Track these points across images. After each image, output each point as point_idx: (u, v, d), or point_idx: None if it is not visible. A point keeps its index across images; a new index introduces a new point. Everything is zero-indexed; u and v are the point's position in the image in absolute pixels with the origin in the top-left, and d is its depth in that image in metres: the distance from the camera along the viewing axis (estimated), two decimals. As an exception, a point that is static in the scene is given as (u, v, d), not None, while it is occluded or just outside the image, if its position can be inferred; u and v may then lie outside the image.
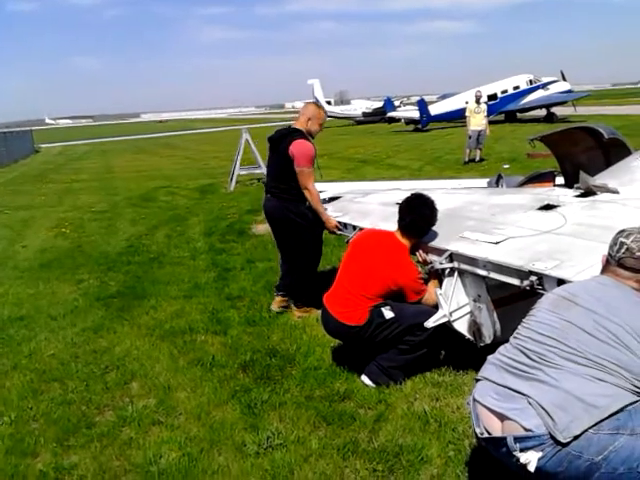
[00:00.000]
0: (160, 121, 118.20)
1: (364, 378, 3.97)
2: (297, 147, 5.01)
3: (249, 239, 8.73)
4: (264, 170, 14.45)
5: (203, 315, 5.52)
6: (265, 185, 5.45)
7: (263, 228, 9.22)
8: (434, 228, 4.04)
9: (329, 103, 52.88)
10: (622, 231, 2.59)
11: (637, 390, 2.23)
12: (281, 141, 5.13)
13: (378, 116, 44.83)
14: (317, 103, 5.67)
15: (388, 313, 3.85)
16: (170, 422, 3.67)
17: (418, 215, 3.95)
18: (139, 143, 43.39)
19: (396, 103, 43.62)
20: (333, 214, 5.19)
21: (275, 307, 5.43)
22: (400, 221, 4.02)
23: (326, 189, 6.33)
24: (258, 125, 53.88)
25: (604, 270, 2.61)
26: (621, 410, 2.20)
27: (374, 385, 3.90)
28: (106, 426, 3.67)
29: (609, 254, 2.58)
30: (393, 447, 3.22)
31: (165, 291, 6.36)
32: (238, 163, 14.34)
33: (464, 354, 3.99)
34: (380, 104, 46.37)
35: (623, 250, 2.51)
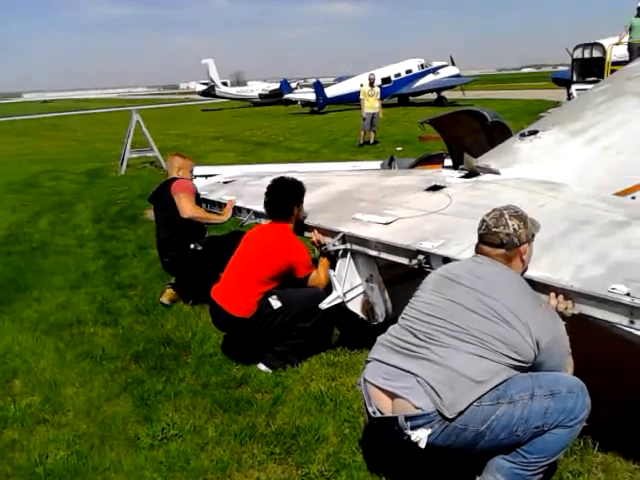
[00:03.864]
0: (44, 101, 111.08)
1: (260, 365, 3.95)
2: (176, 185, 5.01)
3: (141, 225, 8.40)
4: (157, 153, 14.02)
5: (92, 306, 5.27)
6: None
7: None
8: (326, 210, 4.07)
9: (225, 84, 51.88)
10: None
11: (515, 364, 2.36)
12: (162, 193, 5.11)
13: (275, 98, 44.56)
14: (179, 154, 5.51)
15: (276, 303, 3.84)
16: (57, 420, 3.48)
17: (271, 200, 4.06)
18: (21, 125, 40.49)
19: (293, 85, 43.55)
20: (226, 198, 5.11)
21: (165, 300, 5.22)
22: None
23: (221, 172, 6.21)
24: (150, 106, 51.94)
25: (476, 249, 2.73)
26: (500, 383, 2.32)
27: (270, 370, 3.90)
28: (-15, 429, 3.43)
29: (477, 232, 2.71)
30: (290, 429, 3.24)
31: (50, 282, 6.00)
32: (129, 146, 13.77)
33: (358, 334, 4.06)
34: (277, 86, 46.07)
35: (483, 227, 2.66)
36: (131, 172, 13.57)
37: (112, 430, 3.34)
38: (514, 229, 2.59)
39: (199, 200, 5.15)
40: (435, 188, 4.00)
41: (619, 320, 2.45)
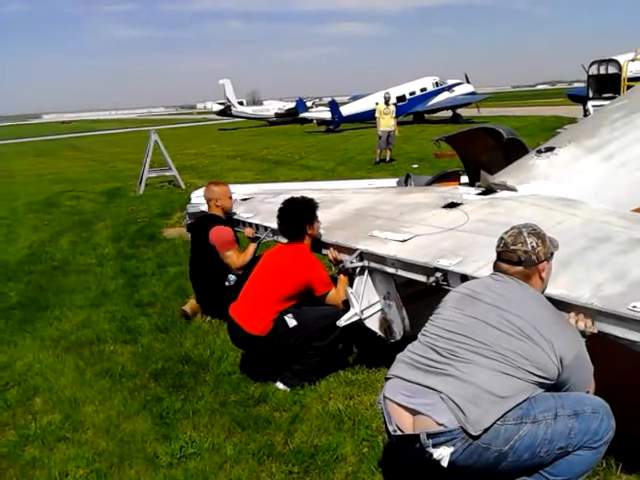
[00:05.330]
0: (63, 122, 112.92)
1: (278, 384, 3.95)
2: (217, 238, 5.03)
3: (160, 243, 8.49)
4: (175, 172, 14.18)
5: (111, 324, 5.31)
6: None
7: (174, 231, 9.03)
8: (343, 227, 4.10)
9: (241, 104, 52.47)
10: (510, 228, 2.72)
11: (539, 381, 2.34)
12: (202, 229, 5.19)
13: (290, 117, 44.92)
14: (215, 182, 5.54)
15: (291, 321, 3.86)
16: (77, 438, 3.51)
17: (282, 222, 4.12)
18: (41, 145, 41.27)
19: (308, 104, 43.94)
20: (244, 215, 5.16)
21: (187, 308, 5.26)
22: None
23: (237, 191, 6.27)
24: (168, 126, 52.67)
25: (494, 266, 2.72)
26: (524, 401, 2.30)
27: (288, 389, 3.89)
28: (6, 446, 3.47)
29: (495, 250, 2.71)
30: (308, 448, 3.23)
31: (70, 300, 6.06)
32: (147, 165, 13.94)
33: (376, 352, 4.06)
34: (292, 105, 46.49)
35: (502, 245, 2.66)
36: (149, 191, 13.72)
37: (131, 448, 3.35)
38: (532, 247, 2.59)
39: (230, 220, 5.22)
40: (452, 205, 4.00)
41: (638, 338, 2.42)
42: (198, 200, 6.45)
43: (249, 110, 52.07)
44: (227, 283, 4.97)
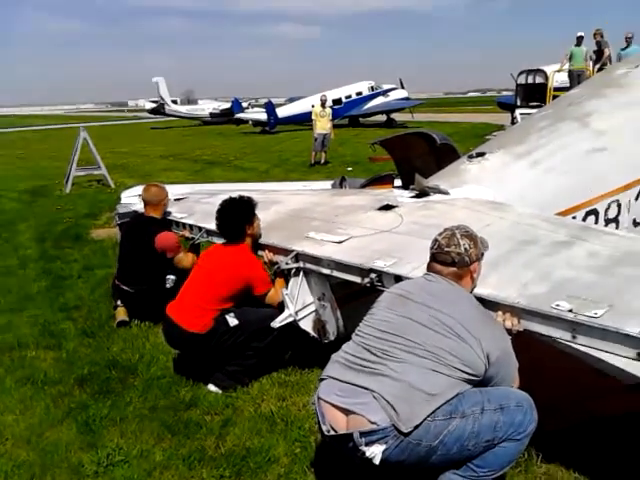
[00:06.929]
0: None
1: (210, 386, 3.89)
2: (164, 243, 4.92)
3: (87, 245, 8.16)
4: (104, 171, 13.73)
5: (34, 328, 5.07)
6: None
7: (103, 232, 8.73)
8: (278, 228, 4.07)
9: (175, 102, 51.42)
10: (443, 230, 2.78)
11: (467, 377, 2.41)
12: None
13: (226, 117, 44.42)
14: (154, 185, 5.37)
15: (232, 320, 3.82)
16: (-7, 449, 3.32)
17: (222, 223, 4.06)
18: (-41, 141, 39.09)
19: (244, 105, 43.57)
20: (178, 215, 5.05)
21: (123, 317, 5.07)
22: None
23: (170, 191, 6.12)
24: (98, 123, 51.04)
25: (428, 267, 2.78)
26: (453, 397, 2.35)
27: (221, 391, 3.83)
28: None
29: (429, 251, 2.76)
30: (240, 451, 3.19)
31: (-11, 304, 5.75)
32: (75, 163, 13.42)
33: (309, 352, 4.04)
34: (228, 105, 45.98)
35: (436, 246, 2.72)
36: (77, 190, 13.21)
37: (54, 458, 3.21)
38: (465, 248, 2.65)
39: (168, 222, 5.10)
40: (387, 208, 4.05)
41: (562, 335, 2.53)
42: (129, 200, 6.26)
43: (183, 109, 51.11)
44: (167, 285, 4.86)
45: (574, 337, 2.48)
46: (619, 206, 4.48)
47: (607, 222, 4.38)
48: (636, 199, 4.59)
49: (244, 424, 3.45)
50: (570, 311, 2.49)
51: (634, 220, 4.61)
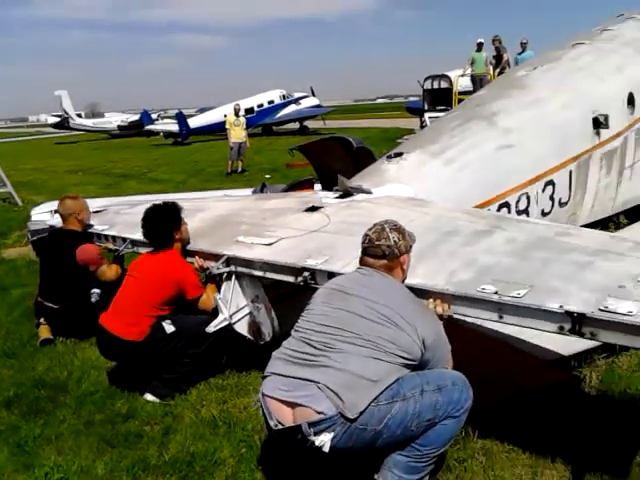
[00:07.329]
0: None
1: (147, 396, 3.84)
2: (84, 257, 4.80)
3: (-2, 265, 7.79)
4: (10, 189, 13.07)
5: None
6: None
7: (14, 252, 8.34)
8: (206, 234, 4.09)
9: (79, 116, 49.57)
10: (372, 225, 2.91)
11: (405, 362, 2.53)
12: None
13: (135, 129, 43.30)
14: (69, 196, 5.22)
15: (169, 327, 3.80)
16: None
17: (149, 231, 4.04)
18: None
19: (154, 116, 42.64)
20: (99, 227, 4.94)
21: (47, 335, 4.89)
22: None
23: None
24: (-2, 140, 48.35)
25: (360, 261, 2.90)
26: (394, 382, 2.47)
27: (158, 400, 3.79)
28: None
29: (361, 246, 2.88)
30: (185, 456, 3.18)
31: None
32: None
33: (245, 355, 4.07)
34: (137, 117, 44.84)
35: (367, 241, 2.84)
36: (-20, 210, 12.52)
37: (-14, 483, 3.08)
38: (394, 241, 2.79)
39: (89, 235, 4.97)
40: (313, 209, 4.15)
41: (489, 316, 2.72)
42: (40, 217, 6.04)
43: (89, 123, 49.31)
44: (92, 299, 4.74)
45: (501, 317, 2.67)
46: (528, 198, 4.81)
47: (519, 214, 4.69)
48: (543, 191, 4.95)
49: (186, 430, 3.43)
50: (495, 293, 2.68)
51: (542, 211, 4.96)
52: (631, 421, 3.22)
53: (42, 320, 4.95)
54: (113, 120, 49.38)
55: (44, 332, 4.89)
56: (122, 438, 3.40)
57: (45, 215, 6.09)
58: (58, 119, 48.62)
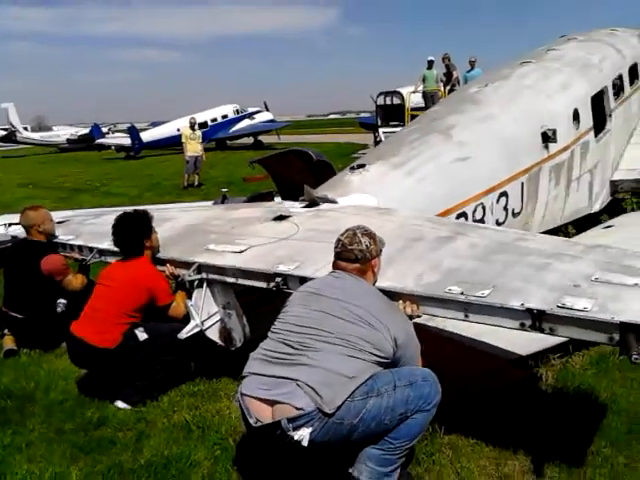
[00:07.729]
0: None
1: (118, 403, 3.86)
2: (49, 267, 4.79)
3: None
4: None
5: None
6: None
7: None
8: (176, 243, 4.15)
9: (26, 129, 48.35)
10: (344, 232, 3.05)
11: (379, 360, 2.67)
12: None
13: (85, 143, 42.47)
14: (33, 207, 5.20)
15: (142, 335, 3.85)
16: None
17: (119, 239, 4.08)
18: None
19: (104, 130, 41.98)
20: (64, 237, 4.93)
21: (12, 345, 4.84)
22: None
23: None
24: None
25: (333, 265, 3.03)
26: (369, 378, 2.60)
27: (130, 407, 3.82)
28: None
29: (334, 251, 3.02)
30: (160, 460, 3.23)
31: None
32: None
33: (216, 361, 4.13)
34: (87, 131, 44.05)
35: (339, 245, 2.98)
36: None
37: (-42, 495, 3.05)
38: (366, 245, 2.94)
39: (54, 245, 4.94)
40: (281, 217, 4.27)
41: (455, 315, 2.89)
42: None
43: (36, 136, 48.15)
44: (58, 309, 4.71)
45: (466, 316, 2.85)
46: (484, 209, 5.05)
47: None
48: (497, 202, 5.21)
49: (159, 435, 3.47)
50: (461, 294, 2.86)
51: (497, 220, 5.22)
52: (583, 415, 3.45)
53: (6, 331, 4.90)
54: (61, 133, 48.30)
55: (8, 342, 4.84)
56: (95, 444, 3.41)
57: (-2, 229, 6.00)
58: (4, 132, 47.30)
